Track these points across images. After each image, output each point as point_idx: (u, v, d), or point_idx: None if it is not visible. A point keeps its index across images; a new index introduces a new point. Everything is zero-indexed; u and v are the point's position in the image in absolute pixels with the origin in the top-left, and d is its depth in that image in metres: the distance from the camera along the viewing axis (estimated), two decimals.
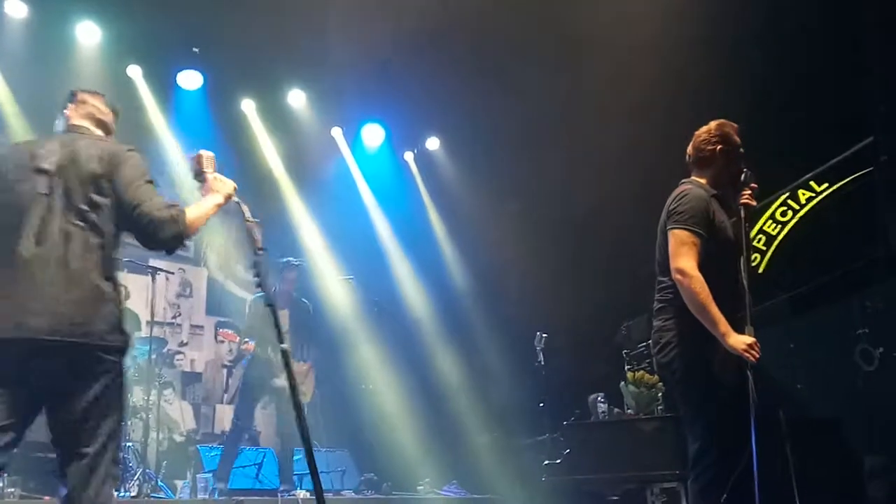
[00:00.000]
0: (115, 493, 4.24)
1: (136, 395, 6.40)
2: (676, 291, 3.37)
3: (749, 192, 3.54)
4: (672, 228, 3.43)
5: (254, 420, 7.24)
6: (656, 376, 5.32)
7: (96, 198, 2.79)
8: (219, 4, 7.06)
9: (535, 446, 6.99)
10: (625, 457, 5.10)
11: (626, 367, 6.13)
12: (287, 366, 2.87)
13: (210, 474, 6.51)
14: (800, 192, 5.93)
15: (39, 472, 5.20)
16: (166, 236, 2.77)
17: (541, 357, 6.54)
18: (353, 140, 9.42)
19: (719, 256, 3.41)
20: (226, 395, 8.77)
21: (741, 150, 3.62)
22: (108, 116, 3.14)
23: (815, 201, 5.85)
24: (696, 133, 3.69)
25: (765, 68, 6.18)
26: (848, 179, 5.58)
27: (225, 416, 8.41)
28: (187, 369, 8.59)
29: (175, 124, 8.10)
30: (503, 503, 7.12)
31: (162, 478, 6.57)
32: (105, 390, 2.72)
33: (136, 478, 5.74)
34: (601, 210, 7.19)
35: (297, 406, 2.81)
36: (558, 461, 5.40)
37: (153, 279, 6.39)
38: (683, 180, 3.66)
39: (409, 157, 9.80)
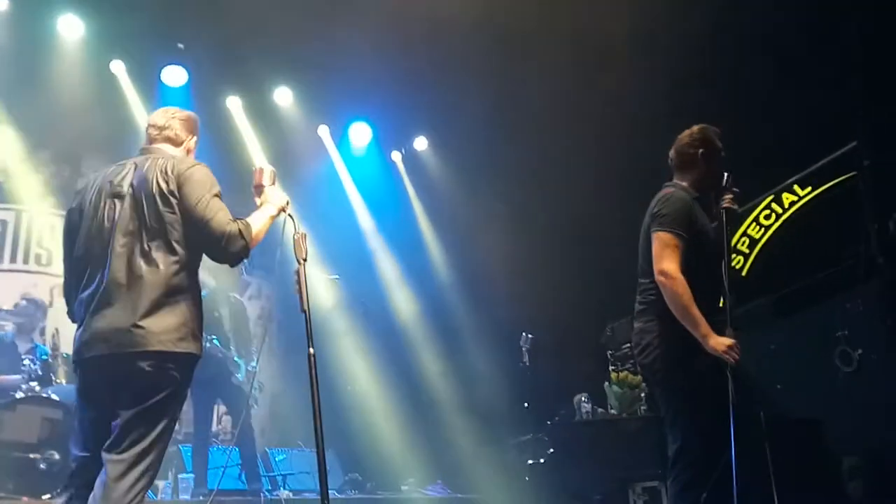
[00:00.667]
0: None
1: None
2: (658, 293, 3.40)
3: (730, 195, 3.55)
4: (655, 231, 3.46)
5: (212, 420, 7.10)
6: (640, 377, 5.37)
7: (167, 215, 2.91)
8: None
9: (519, 446, 7.01)
10: (608, 456, 5.14)
11: (611, 368, 6.18)
12: (311, 370, 3.06)
13: (192, 475, 6.45)
14: (784, 195, 5.98)
15: (17, 472, 5.15)
16: (235, 250, 2.92)
17: (526, 357, 6.57)
18: (340, 139, 9.39)
19: (701, 259, 3.44)
20: None
21: (723, 153, 3.65)
22: (174, 130, 3.26)
23: (798, 205, 5.90)
24: (679, 137, 3.71)
25: (749, 72, 6.23)
26: (831, 184, 5.63)
27: None
28: None
29: None
30: (487, 503, 7.13)
31: None
32: None
33: None
34: (588, 211, 7.22)
35: (316, 409, 3.01)
36: (542, 461, 5.43)
37: None
38: (666, 183, 3.69)
39: (396, 156, 9.79)
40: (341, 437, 7.99)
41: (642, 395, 5.51)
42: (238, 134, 8.65)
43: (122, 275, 2.84)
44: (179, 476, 6.51)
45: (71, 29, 7.41)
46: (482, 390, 8.26)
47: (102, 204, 2.98)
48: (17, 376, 5.78)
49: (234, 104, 8.61)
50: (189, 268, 2.93)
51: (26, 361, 5.82)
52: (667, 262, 3.36)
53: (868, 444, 4.68)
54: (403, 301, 9.23)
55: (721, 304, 3.48)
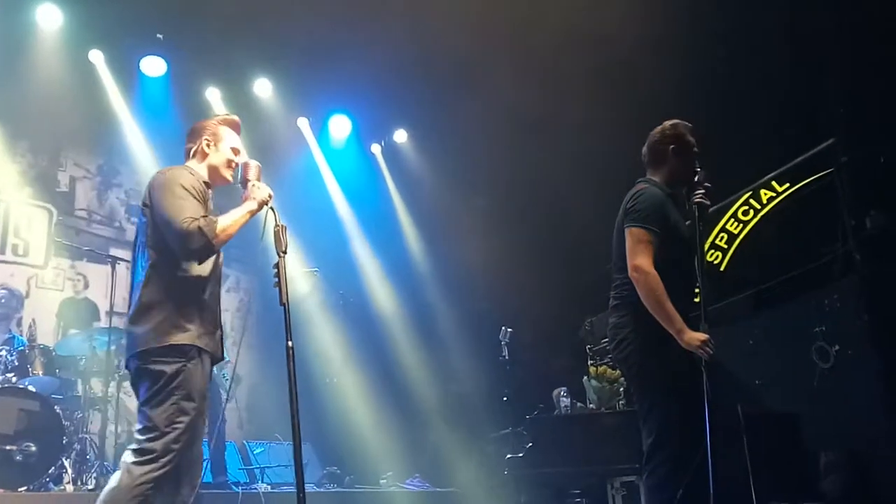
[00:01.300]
0: (72, 487, 4.86)
1: (94, 387, 6.28)
2: (632, 288, 3.40)
3: (702, 190, 3.56)
4: (629, 226, 3.46)
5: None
6: (618, 371, 5.38)
7: (146, 224, 3.16)
8: None
9: (498, 440, 7.01)
10: (586, 450, 5.14)
11: (589, 363, 6.20)
12: (290, 363, 3.12)
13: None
14: (762, 191, 6.01)
15: None
16: (195, 247, 3.03)
17: (505, 351, 6.56)
18: (320, 131, 9.35)
19: (674, 255, 3.45)
20: None
21: (695, 149, 3.65)
22: (187, 145, 3.40)
23: (776, 201, 5.92)
24: (651, 132, 3.72)
25: (727, 69, 6.25)
26: (809, 180, 5.66)
27: None
28: None
29: (138, 111, 7.93)
30: (466, 497, 7.14)
31: None
32: None
33: (93, 470, 5.64)
34: (567, 206, 7.23)
35: (293, 402, 3.06)
36: (521, 455, 5.43)
37: (113, 269, 6.27)
38: (640, 179, 3.70)
39: (376, 149, 9.76)
40: (320, 431, 7.97)
41: (621, 389, 5.52)
42: None
43: (130, 283, 3.24)
44: None
45: (49, 19, 7.33)
46: (461, 384, 8.27)
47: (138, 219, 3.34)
48: None
49: (214, 95, 8.51)
50: (165, 268, 3.10)
51: (3, 352, 5.74)
52: (640, 257, 3.37)
53: (845, 440, 4.72)
54: (382, 294, 9.21)
55: (696, 300, 3.49)
